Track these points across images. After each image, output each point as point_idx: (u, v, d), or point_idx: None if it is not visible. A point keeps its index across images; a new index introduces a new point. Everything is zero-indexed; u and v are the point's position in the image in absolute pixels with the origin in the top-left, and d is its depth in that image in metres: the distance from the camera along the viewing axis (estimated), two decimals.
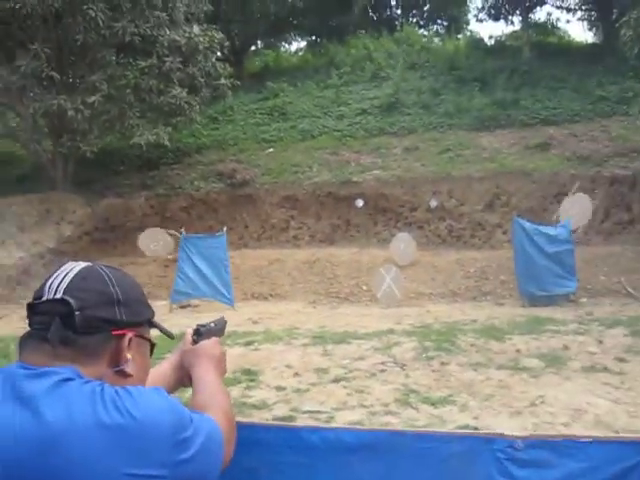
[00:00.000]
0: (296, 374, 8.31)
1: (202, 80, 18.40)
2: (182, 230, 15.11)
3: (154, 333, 1.60)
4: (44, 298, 1.40)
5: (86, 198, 18.28)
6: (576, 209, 14.91)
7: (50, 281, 1.43)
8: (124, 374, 1.44)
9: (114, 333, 1.42)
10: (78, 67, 17.85)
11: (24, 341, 1.41)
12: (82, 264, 1.49)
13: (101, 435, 1.23)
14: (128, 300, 1.46)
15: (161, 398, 1.36)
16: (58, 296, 1.38)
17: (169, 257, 16.21)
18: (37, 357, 1.36)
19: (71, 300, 1.36)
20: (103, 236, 18.05)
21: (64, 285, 1.40)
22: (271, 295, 15.18)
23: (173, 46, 17.30)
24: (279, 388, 7.69)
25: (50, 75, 16.08)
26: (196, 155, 20.72)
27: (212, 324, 1.93)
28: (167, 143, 17.87)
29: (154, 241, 16.22)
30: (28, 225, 17.17)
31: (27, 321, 1.43)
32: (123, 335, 1.44)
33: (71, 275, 1.43)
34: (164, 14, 17.15)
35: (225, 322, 2.03)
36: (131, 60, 17.61)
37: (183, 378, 1.84)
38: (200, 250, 14.59)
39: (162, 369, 1.85)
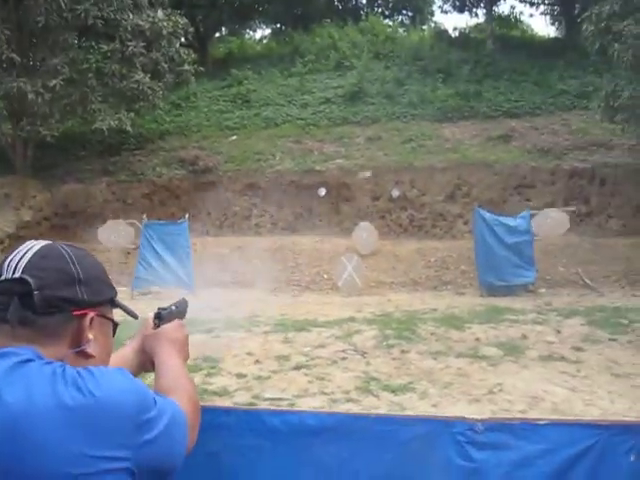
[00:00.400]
0: (257, 361, 8.32)
1: (165, 66, 18.21)
2: (144, 217, 14.99)
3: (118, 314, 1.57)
4: (2, 277, 1.36)
5: (46, 183, 18.03)
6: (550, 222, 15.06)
7: (9, 259, 1.38)
8: (86, 355, 1.40)
9: (75, 313, 1.38)
10: (39, 49, 17.52)
11: None
12: (42, 242, 1.44)
13: (62, 416, 1.21)
14: (89, 279, 1.42)
15: (124, 378, 1.34)
16: (17, 275, 1.34)
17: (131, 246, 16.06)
18: None
19: (30, 279, 1.32)
20: (63, 222, 17.82)
21: (23, 264, 1.36)
22: (232, 283, 15.14)
23: (136, 30, 17.08)
24: (240, 375, 7.69)
25: (10, 57, 15.77)
26: (159, 141, 20.52)
27: (173, 307, 1.89)
28: (129, 129, 17.69)
29: (114, 232, 16.00)
30: None
31: None
32: (84, 315, 1.40)
33: (30, 253, 1.38)
34: None
35: (186, 303, 1.99)
36: (93, 44, 17.34)
37: (145, 363, 1.80)
38: (162, 237, 14.50)
39: (124, 353, 1.81)
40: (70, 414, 1.21)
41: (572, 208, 15.14)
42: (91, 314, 1.41)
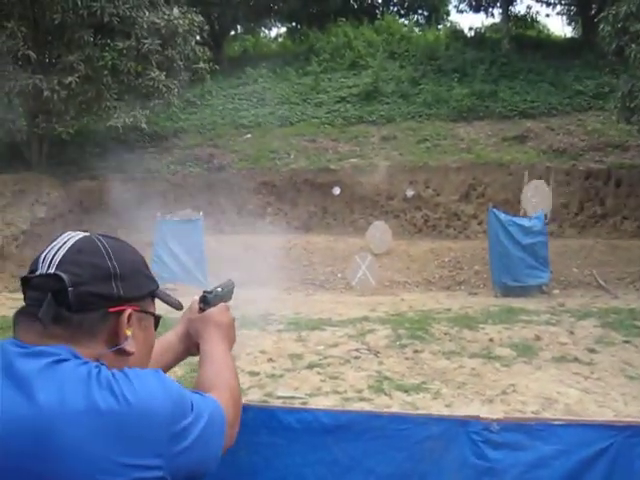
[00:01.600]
0: (270, 360, 8.34)
1: (181, 63, 18.25)
2: (158, 214, 15.02)
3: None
4: (37, 272, 1.32)
5: (61, 180, 18.10)
6: (536, 197, 15.08)
7: (45, 253, 1.34)
8: (124, 352, 1.36)
9: (111, 310, 1.34)
10: (55, 47, 17.58)
11: (18, 317, 1.34)
12: (80, 234, 1.39)
13: (93, 421, 1.17)
14: (126, 274, 1.37)
15: (160, 383, 1.29)
16: (51, 270, 1.30)
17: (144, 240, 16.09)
18: (30, 335, 1.29)
19: (64, 275, 1.28)
20: (77, 218, 17.87)
21: (58, 259, 1.31)
22: (246, 281, 15.14)
23: (152, 28, 17.11)
24: (253, 373, 7.71)
25: (26, 54, 15.85)
26: (173, 139, 20.59)
27: (219, 289, 1.86)
28: (144, 126, 17.73)
29: None
30: (1, 206, 16.95)
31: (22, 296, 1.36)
32: (121, 311, 1.35)
33: (66, 248, 1.34)
34: None
35: (233, 285, 1.95)
36: (109, 41, 17.36)
37: (190, 348, 1.78)
38: (176, 234, 14.52)
39: (168, 339, 1.79)
40: (103, 419, 1.18)
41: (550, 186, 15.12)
42: (129, 310, 1.37)
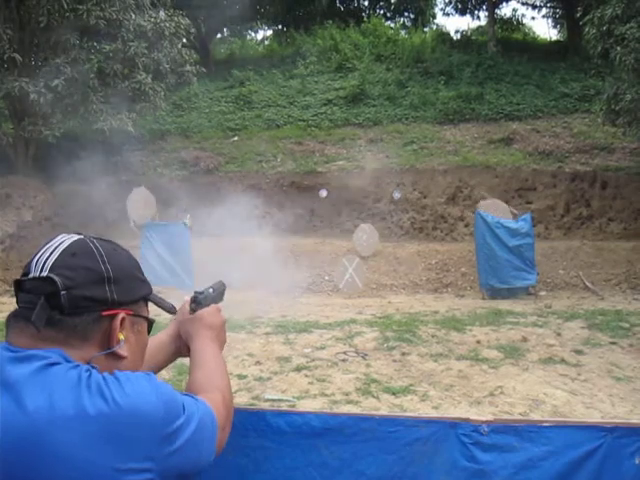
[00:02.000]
0: (258, 362, 8.31)
1: (167, 66, 18.19)
2: (146, 217, 14.98)
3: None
4: (31, 275, 1.32)
5: (47, 183, 18.02)
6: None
7: (38, 256, 1.34)
8: (117, 356, 1.36)
9: (104, 314, 1.34)
10: (41, 49, 17.51)
11: (10, 320, 1.34)
12: (74, 237, 1.39)
13: (84, 427, 1.16)
14: (120, 278, 1.37)
15: (151, 385, 1.28)
16: (44, 273, 1.30)
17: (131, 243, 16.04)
18: (23, 339, 1.29)
19: (57, 279, 1.27)
20: (64, 222, 17.79)
21: (51, 262, 1.31)
22: (233, 284, 15.12)
23: (138, 31, 17.06)
24: (240, 376, 7.68)
25: (12, 57, 15.73)
26: (160, 142, 20.55)
27: (210, 289, 1.85)
28: (131, 129, 17.65)
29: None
30: None
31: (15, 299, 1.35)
32: (114, 315, 1.35)
33: (59, 250, 1.33)
34: None
35: (224, 286, 1.95)
36: (95, 44, 17.34)
37: (181, 348, 1.77)
38: (163, 237, 14.50)
39: (159, 340, 1.78)
40: (93, 424, 1.17)
41: (514, 210, 15.06)
42: (122, 314, 1.37)
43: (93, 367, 1.28)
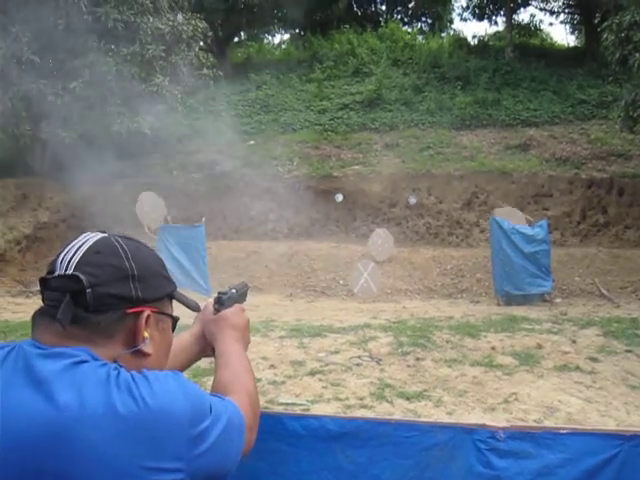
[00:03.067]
0: (272, 366, 8.32)
1: (184, 69, 18.27)
2: (161, 219, 15.03)
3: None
4: (56, 273, 1.32)
5: (64, 185, 18.10)
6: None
7: (63, 254, 1.35)
8: (142, 354, 1.37)
9: (129, 311, 1.34)
10: (59, 52, 17.63)
11: (36, 318, 1.34)
12: (98, 235, 1.40)
13: (113, 425, 1.17)
14: (144, 275, 1.38)
15: (179, 385, 1.28)
16: (69, 271, 1.30)
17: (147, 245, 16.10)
18: (49, 336, 1.30)
19: (82, 276, 1.28)
20: (80, 223, 17.87)
21: (76, 260, 1.32)
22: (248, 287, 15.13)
23: (156, 34, 17.16)
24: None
25: (30, 59, 15.86)
26: (176, 145, 20.60)
27: (233, 290, 1.86)
28: (147, 132, 17.73)
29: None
30: (4, 210, 17.00)
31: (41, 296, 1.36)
32: (139, 312, 1.36)
33: (84, 248, 1.34)
34: (148, 1, 17.02)
35: (247, 287, 1.96)
36: (113, 47, 17.42)
37: (205, 349, 1.78)
38: (178, 240, 14.52)
39: (183, 340, 1.79)
40: (122, 422, 1.18)
41: (529, 218, 14.97)
42: (147, 311, 1.38)
43: (120, 365, 1.28)
